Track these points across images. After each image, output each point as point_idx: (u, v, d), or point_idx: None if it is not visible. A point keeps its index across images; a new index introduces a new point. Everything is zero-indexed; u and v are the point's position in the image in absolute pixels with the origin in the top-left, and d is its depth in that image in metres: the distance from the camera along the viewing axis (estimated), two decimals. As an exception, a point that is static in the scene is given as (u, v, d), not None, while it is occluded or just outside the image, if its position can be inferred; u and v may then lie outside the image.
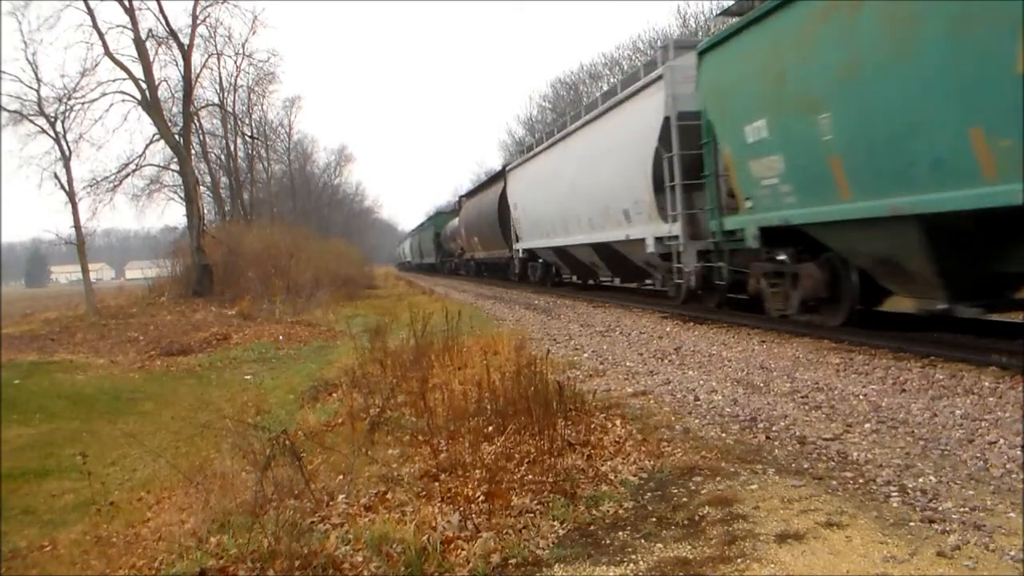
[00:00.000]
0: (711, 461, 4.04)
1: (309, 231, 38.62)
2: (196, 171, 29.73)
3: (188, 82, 27.49)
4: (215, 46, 30.68)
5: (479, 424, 4.78)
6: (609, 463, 4.15)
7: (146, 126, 35.51)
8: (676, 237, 10.79)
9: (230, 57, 41.17)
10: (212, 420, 8.71)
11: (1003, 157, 5.10)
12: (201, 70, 29.72)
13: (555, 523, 3.41)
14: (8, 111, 25.26)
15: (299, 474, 4.01)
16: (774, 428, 4.63)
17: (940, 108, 5.57)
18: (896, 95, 5.99)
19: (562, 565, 3.00)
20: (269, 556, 3.12)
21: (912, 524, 3.02)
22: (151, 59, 25.93)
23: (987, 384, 5.27)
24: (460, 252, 34.71)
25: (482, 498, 3.65)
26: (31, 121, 25.63)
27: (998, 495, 3.27)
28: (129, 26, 25.22)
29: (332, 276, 28.27)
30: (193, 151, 30.24)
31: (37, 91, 25.59)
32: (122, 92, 27.18)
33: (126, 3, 25.01)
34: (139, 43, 25.29)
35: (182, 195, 29.27)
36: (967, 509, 3.13)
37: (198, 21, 27.37)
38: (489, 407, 5.08)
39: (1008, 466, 3.60)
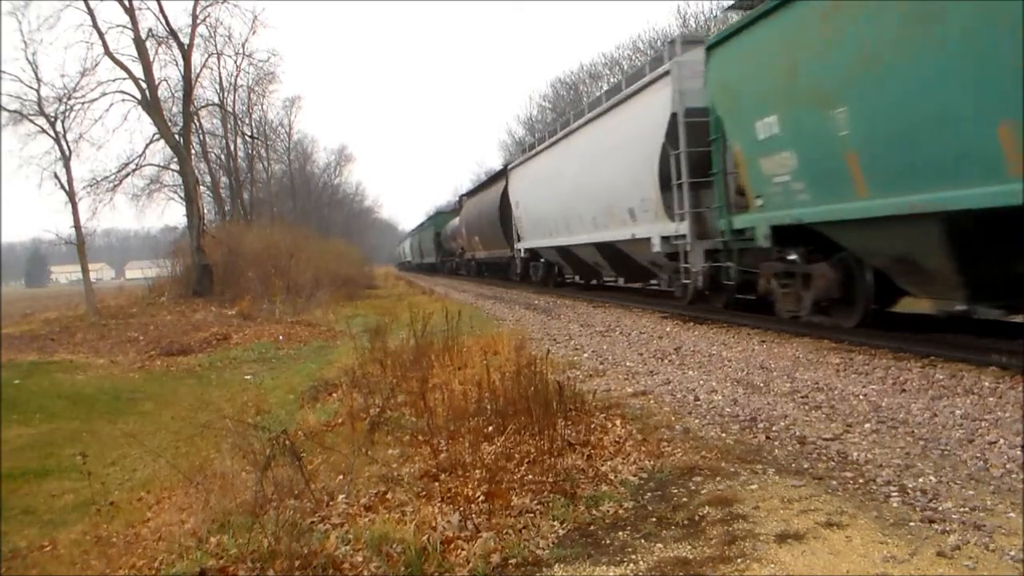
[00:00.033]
0: (711, 461, 4.04)
1: (309, 231, 38.61)
2: (196, 171, 29.74)
3: (188, 82, 27.50)
4: (215, 46, 30.71)
5: (479, 424, 4.78)
6: (609, 463, 4.15)
7: (146, 126, 35.49)
8: (683, 236, 10.58)
9: (230, 57, 41.10)
10: (212, 420, 8.71)
11: None
12: (201, 70, 29.76)
13: (555, 523, 3.41)
14: (8, 111, 25.30)
15: (299, 474, 4.01)
16: (774, 428, 4.63)
17: (967, 101, 5.33)
18: (919, 88, 5.75)
19: (562, 565, 3.00)
20: (269, 556, 3.12)
21: (912, 524, 3.02)
22: (151, 59, 25.96)
23: (987, 384, 5.27)
24: (461, 252, 34.67)
25: (482, 498, 3.65)
26: (31, 121, 25.66)
27: (998, 495, 3.27)
28: (129, 26, 25.25)
29: (332, 276, 28.27)
30: (193, 151, 30.26)
31: (37, 91, 25.63)
32: (122, 92, 27.26)
33: (126, 3, 25.03)
34: (139, 43, 25.30)
35: (182, 195, 29.28)
36: (967, 509, 3.13)
37: (198, 21, 27.40)
38: (489, 407, 5.08)
39: (1008, 466, 3.60)
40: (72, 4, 25.32)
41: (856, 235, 7.17)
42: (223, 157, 38.99)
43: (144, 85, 25.59)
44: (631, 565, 2.93)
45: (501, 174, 24.80)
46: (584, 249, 15.96)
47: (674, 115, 10.42)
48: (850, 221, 6.94)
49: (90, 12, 24.68)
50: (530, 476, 3.92)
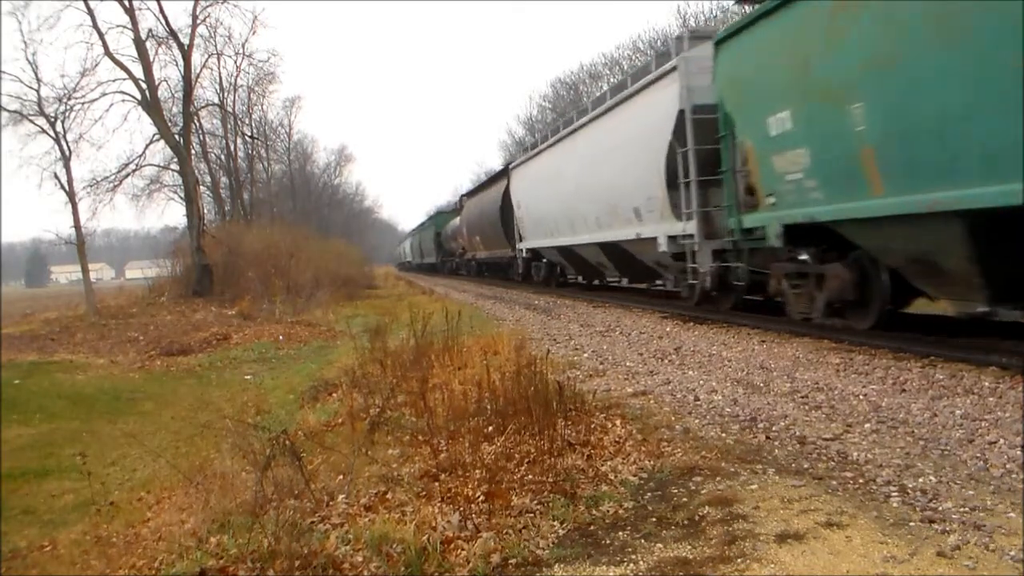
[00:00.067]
0: (711, 461, 4.04)
1: (309, 231, 38.62)
2: (196, 171, 29.76)
3: (188, 82, 27.50)
4: (215, 46, 30.72)
5: (479, 424, 4.78)
6: (609, 463, 4.15)
7: (146, 126, 35.54)
8: (691, 236, 10.34)
9: (230, 57, 41.10)
10: (212, 420, 8.71)
11: None
12: (201, 70, 29.76)
13: (555, 523, 3.41)
14: (8, 111, 25.31)
15: (299, 474, 4.01)
16: (774, 428, 4.63)
17: (996, 95, 5.09)
18: (943, 82, 5.51)
19: (562, 565, 3.00)
20: (269, 556, 3.12)
21: (912, 524, 3.02)
22: (151, 59, 25.97)
23: (987, 384, 5.27)
24: (461, 252, 34.62)
25: (482, 498, 3.65)
26: (31, 121, 25.67)
27: (998, 495, 3.27)
28: (129, 26, 25.26)
29: (332, 276, 28.28)
30: (193, 151, 30.27)
31: (37, 91, 25.64)
32: (122, 92, 27.23)
33: (126, 3, 25.04)
34: (139, 43, 25.30)
35: (182, 195, 29.29)
36: (967, 509, 3.13)
37: (198, 21, 27.41)
38: (489, 407, 5.08)
39: (1008, 466, 3.60)
40: (72, 4, 25.39)
41: (872, 234, 6.94)
42: (223, 157, 39.04)
43: (144, 85, 25.60)
44: (631, 565, 2.93)
45: (502, 173, 24.59)
46: (587, 249, 15.78)
47: (682, 112, 10.18)
48: (866, 220, 6.72)
49: (90, 12, 24.73)
50: (530, 476, 3.92)
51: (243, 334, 17.20)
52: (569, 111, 23.54)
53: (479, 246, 28.92)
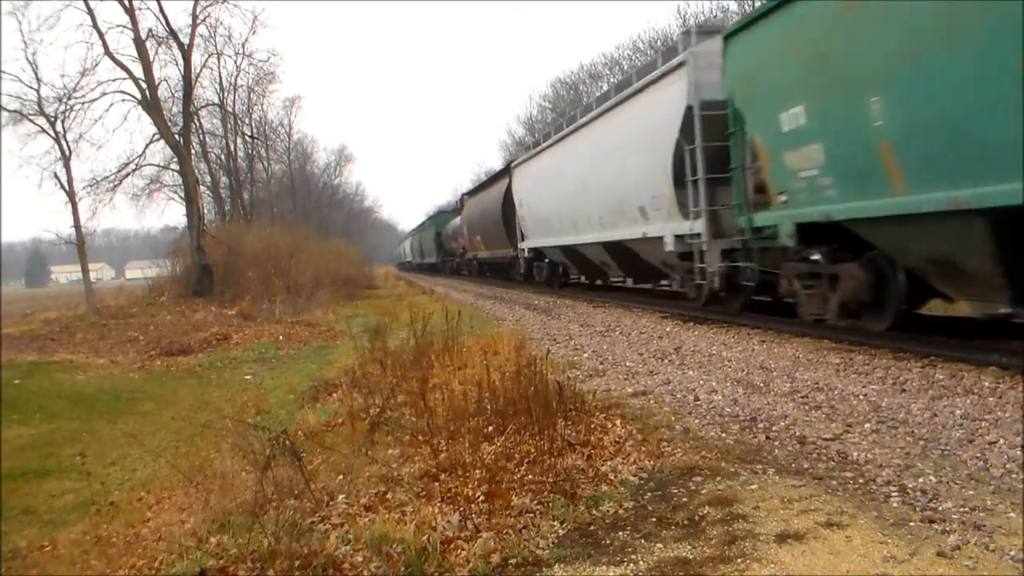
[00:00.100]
0: (711, 461, 4.04)
1: (309, 231, 38.64)
2: (196, 171, 29.78)
3: (188, 82, 27.51)
4: (215, 46, 30.75)
5: (479, 424, 4.78)
6: (609, 463, 4.16)
7: (146, 126, 35.47)
8: (699, 235, 10.09)
9: (230, 57, 41.18)
10: (212, 420, 8.71)
11: None
12: (201, 70, 29.79)
13: (555, 523, 3.41)
14: (8, 111, 25.33)
15: (299, 474, 4.01)
16: (774, 428, 4.63)
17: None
18: (968, 73, 5.28)
19: (562, 565, 3.01)
20: (269, 556, 3.12)
21: (912, 524, 3.02)
22: (151, 59, 25.99)
23: (987, 384, 5.27)
24: (462, 252, 34.54)
25: (482, 498, 3.65)
26: (31, 121, 25.68)
27: (998, 495, 3.27)
28: (129, 26, 25.27)
29: (332, 276, 28.29)
30: (193, 151, 30.28)
31: (37, 91, 25.65)
32: (122, 92, 27.30)
33: (126, 3, 25.05)
34: (139, 43, 25.31)
35: (182, 195, 29.30)
36: (967, 509, 3.13)
37: (198, 21, 27.43)
38: (489, 407, 5.08)
39: (1008, 466, 3.60)
40: (72, 4, 25.36)
41: (889, 233, 6.69)
42: (223, 157, 39.07)
43: (144, 85, 25.61)
44: (631, 565, 2.93)
45: (504, 172, 24.29)
46: (591, 248, 15.54)
47: (689, 108, 9.93)
48: (884, 218, 6.48)
49: (90, 12, 24.74)
50: (530, 476, 3.93)
51: (243, 334, 17.20)
52: (569, 111, 23.47)
53: (480, 246, 28.80)
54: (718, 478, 3.77)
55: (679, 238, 10.69)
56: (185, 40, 27.05)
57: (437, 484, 3.94)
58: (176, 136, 27.26)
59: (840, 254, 7.62)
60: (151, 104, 25.71)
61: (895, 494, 3.35)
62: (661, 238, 11.28)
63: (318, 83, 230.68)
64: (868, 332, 7.45)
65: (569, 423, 4.76)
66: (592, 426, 4.80)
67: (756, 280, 9.18)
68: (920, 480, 3.51)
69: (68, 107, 25.59)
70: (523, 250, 21.75)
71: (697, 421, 4.96)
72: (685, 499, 3.55)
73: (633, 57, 37.29)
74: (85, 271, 27.13)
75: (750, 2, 27.07)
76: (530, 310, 14.62)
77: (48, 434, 9.75)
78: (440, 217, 46.24)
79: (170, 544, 3.95)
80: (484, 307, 16.38)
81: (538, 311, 14.26)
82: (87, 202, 31.11)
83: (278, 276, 23.83)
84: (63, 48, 75.00)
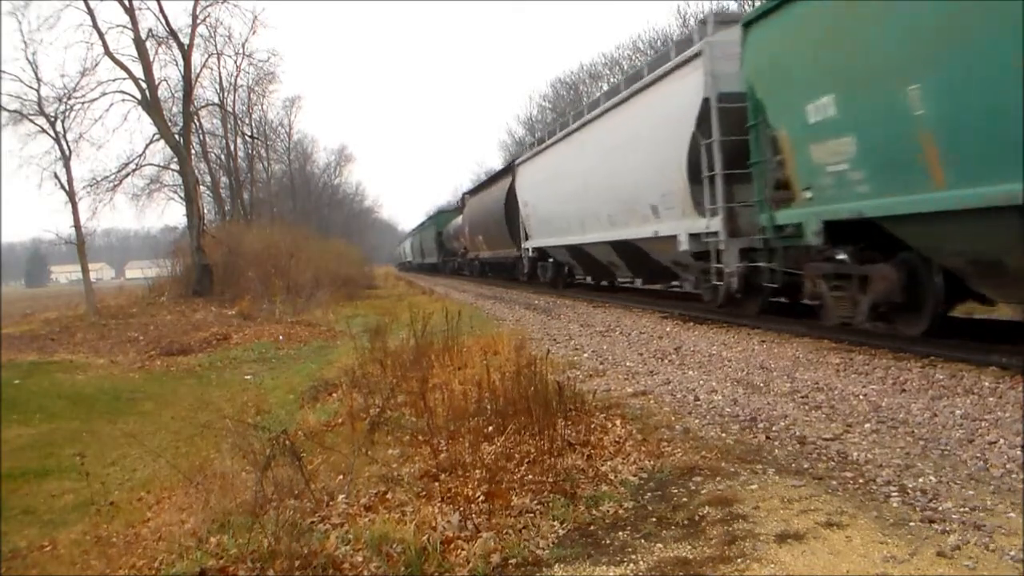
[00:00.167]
0: (711, 461, 4.04)
1: (309, 231, 38.64)
2: (196, 171, 29.78)
3: (188, 82, 27.52)
4: (215, 46, 30.74)
5: (479, 424, 4.78)
6: (609, 463, 4.16)
7: (146, 126, 35.42)
8: (715, 233, 9.58)
9: (230, 57, 41.07)
10: (212, 420, 8.71)
11: None
12: (201, 70, 29.80)
13: (555, 523, 3.41)
14: (8, 111, 25.32)
15: (299, 474, 4.01)
16: (774, 428, 4.63)
17: None
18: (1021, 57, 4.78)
19: (562, 565, 3.00)
20: (269, 556, 3.12)
21: (912, 524, 3.02)
22: (151, 59, 25.99)
23: (987, 384, 5.27)
24: (463, 252, 34.37)
25: (482, 498, 3.65)
26: (31, 121, 25.68)
27: (998, 495, 3.27)
28: (129, 26, 25.28)
29: (332, 276, 28.29)
30: (193, 151, 30.28)
31: (37, 91, 25.65)
32: (122, 92, 27.28)
33: (126, 3, 25.06)
34: (139, 43, 25.31)
35: (182, 195, 29.30)
36: (967, 509, 3.13)
37: (198, 21, 27.44)
38: (489, 407, 5.08)
39: (1008, 466, 3.60)
40: (72, 4, 25.35)
41: (927, 231, 6.24)
42: (223, 157, 39.06)
43: (144, 85, 25.61)
44: (631, 565, 2.93)
45: (507, 170, 23.86)
46: (599, 248, 15.06)
47: (706, 100, 9.43)
48: (922, 215, 6.02)
49: (90, 12, 24.74)
50: (530, 476, 3.93)
51: (243, 334, 17.20)
52: (569, 111, 23.40)
53: (482, 245, 28.53)
54: (718, 478, 3.77)
55: (694, 237, 10.24)
56: (185, 40, 27.10)
57: (437, 484, 3.94)
58: (176, 136, 27.27)
59: (868, 253, 7.21)
60: (151, 104, 25.72)
61: (895, 494, 3.35)
62: (674, 237, 10.80)
63: (318, 83, 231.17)
64: (903, 337, 7.11)
65: (569, 423, 4.76)
66: (592, 426, 4.80)
67: (779, 281, 8.67)
68: (920, 480, 3.51)
69: (68, 107, 25.64)
70: (527, 250, 21.30)
71: (697, 421, 4.96)
72: (685, 499, 3.55)
73: (633, 57, 37.31)
74: (85, 271, 27.13)
75: (750, 2, 27.01)
76: (530, 310, 14.62)
77: (48, 434, 9.76)
78: (441, 217, 46.16)
79: (170, 544, 3.96)
80: (484, 307, 16.38)
81: (538, 311, 14.27)
82: (87, 202, 31.11)
83: (278, 276, 23.84)
84: (63, 48, 75.10)
